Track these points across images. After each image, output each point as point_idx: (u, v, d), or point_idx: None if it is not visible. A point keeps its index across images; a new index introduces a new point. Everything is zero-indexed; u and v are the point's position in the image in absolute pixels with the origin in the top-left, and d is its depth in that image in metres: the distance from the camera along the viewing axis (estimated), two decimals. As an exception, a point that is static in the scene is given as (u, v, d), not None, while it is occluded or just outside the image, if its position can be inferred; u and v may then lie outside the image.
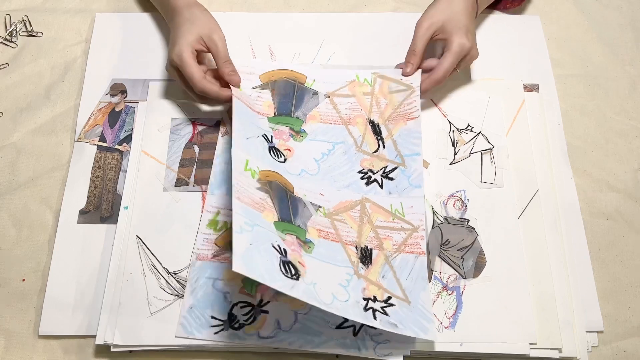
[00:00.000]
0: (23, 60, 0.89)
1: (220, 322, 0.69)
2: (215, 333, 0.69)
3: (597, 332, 0.72)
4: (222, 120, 0.82)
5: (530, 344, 0.68)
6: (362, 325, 0.69)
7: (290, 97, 0.81)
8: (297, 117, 0.80)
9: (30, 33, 0.91)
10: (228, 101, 0.78)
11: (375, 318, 0.65)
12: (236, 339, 0.69)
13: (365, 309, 0.66)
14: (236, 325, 0.69)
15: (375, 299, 0.67)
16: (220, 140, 0.81)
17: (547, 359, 0.69)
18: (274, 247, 0.67)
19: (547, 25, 0.92)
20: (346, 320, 0.69)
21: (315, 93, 0.82)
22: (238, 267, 0.60)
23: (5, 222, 0.78)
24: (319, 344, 0.69)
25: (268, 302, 0.71)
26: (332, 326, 0.69)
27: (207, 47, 0.78)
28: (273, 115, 0.80)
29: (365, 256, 0.71)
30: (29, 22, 0.91)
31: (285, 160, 0.77)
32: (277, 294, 0.71)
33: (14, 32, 0.91)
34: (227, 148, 0.80)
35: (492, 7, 0.92)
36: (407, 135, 0.78)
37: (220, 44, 0.78)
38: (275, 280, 0.63)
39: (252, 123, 0.77)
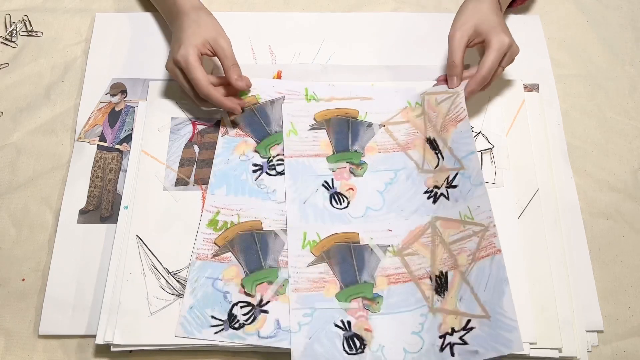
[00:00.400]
0: (23, 60, 0.89)
1: (220, 322, 0.69)
2: (215, 333, 0.69)
3: (597, 332, 0.72)
4: (222, 120, 0.82)
5: (530, 343, 0.68)
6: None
7: (345, 132, 0.80)
8: (356, 151, 0.79)
9: (30, 33, 0.91)
10: (228, 110, 0.79)
11: (452, 354, 0.64)
12: (236, 339, 0.68)
13: (442, 348, 0.65)
14: (236, 325, 0.69)
15: (453, 331, 0.66)
16: (220, 140, 0.81)
17: (547, 359, 0.69)
18: (336, 325, 0.69)
19: (547, 25, 0.92)
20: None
21: (370, 125, 0.81)
22: None
23: (5, 222, 0.78)
24: None
25: (268, 301, 0.71)
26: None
27: (214, 51, 0.78)
28: (332, 153, 0.80)
29: (441, 284, 0.69)
30: (29, 22, 0.91)
31: (348, 204, 0.76)
32: (277, 293, 0.71)
33: (14, 31, 0.91)
34: (227, 147, 0.80)
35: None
36: (459, 137, 0.76)
37: (228, 48, 0.78)
38: None
39: (309, 175, 0.78)
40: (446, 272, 0.70)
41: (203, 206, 0.76)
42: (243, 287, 0.71)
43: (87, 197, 0.78)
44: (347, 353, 0.67)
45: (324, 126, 0.81)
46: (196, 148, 0.81)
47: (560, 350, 0.69)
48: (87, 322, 0.71)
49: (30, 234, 0.77)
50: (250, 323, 0.69)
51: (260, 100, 0.83)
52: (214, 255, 0.73)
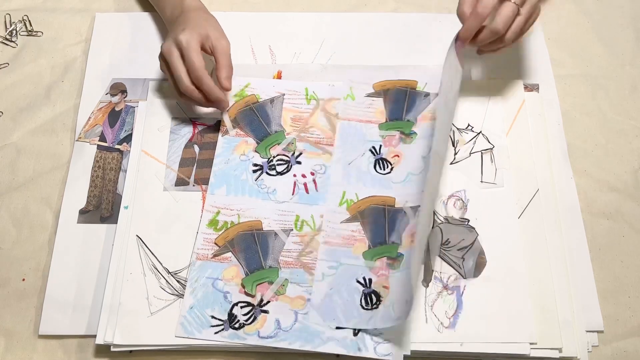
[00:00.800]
0: (23, 60, 0.89)
1: (221, 322, 0.69)
2: (216, 333, 0.69)
3: (597, 332, 0.72)
4: (222, 120, 0.82)
5: (530, 344, 0.68)
6: None
7: (401, 103, 0.82)
8: (409, 120, 0.81)
9: (30, 33, 0.91)
10: (215, 99, 0.78)
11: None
12: (236, 339, 0.69)
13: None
14: (236, 325, 0.69)
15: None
16: (220, 140, 0.81)
17: (547, 359, 0.69)
18: (358, 281, 0.71)
19: (547, 25, 0.92)
20: None
21: (427, 94, 0.83)
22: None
23: (5, 222, 0.78)
24: (319, 344, 0.68)
25: (268, 302, 0.71)
26: (332, 326, 0.69)
27: (213, 48, 0.78)
28: (384, 121, 0.81)
29: None
30: (29, 21, 0.91)
31: (391, 169, 0.78)
32: (277, 293, 0.71)
33: (14, 31, 0.91)
34: (227, 147, 0.80)
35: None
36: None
37: (227, 47, 0.78)
38: (351, 318, 0.69)
39: (359, 139, 0.80)
40: None
41: (203, 206, 0.76)
42: (243, 287, 0.71)
43: (87, 197, 0.78)
44: (363, 308, 0.69)
45: (381, 95, 0.82)
46: (196, 148, 0.81)
47: (560, 350, 0.69)
48: (87, 322, 0.71)
49: (30, 234, 0.77)
50: (250, 323, 0.69)
51: (259, 99, 0.83)
52: (214, 256, 0.73)
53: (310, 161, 0.80)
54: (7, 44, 0.90)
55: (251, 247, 0.73)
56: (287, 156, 0.80)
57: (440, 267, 0.73)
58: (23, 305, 0.73)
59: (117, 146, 0.82)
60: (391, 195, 0.76)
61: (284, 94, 0.84)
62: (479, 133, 0.81)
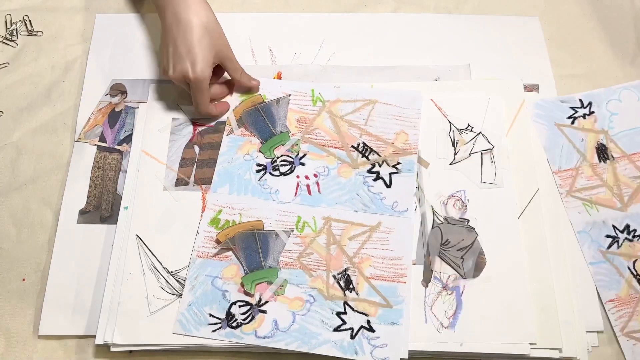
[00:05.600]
0: (23, 59, 0.89)
1: (218, 321, 0.69)
2: (213, 331, 0.69)
3: (597, 332, 0.72)
4: (228, 119, 0.82)
5: (530, 344, 0.68)
6: (360, 327, 0.69)
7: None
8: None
9: (30, 32, 0.91)
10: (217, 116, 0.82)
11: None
12: (233, 338, 0.69)
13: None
14: (234, 324, 0.69)
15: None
16: (225, 139, 0.81)
17: (547, 359, 0.69)
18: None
19: (547, 25, 0.92)
20: (344, 322, 0.70)
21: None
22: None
23: (5, 222, 0.78)
24: (316, 345, 0.68)
25: (267, 302, 0.71)
26: (329, 328, 0.69)
27: (221, 64, 0.80)
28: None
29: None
30: (30, 21, 0.91)
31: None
32: (276, 293, 0.71)
33: (14, 31, 0.91)
34: (232, 147, 0.80)
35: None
36: None
37: (234, 59, 0.81)
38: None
39: None
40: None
41: (203, 206, 0.76)
42: (242, 285, 0.71)
43: (87, 197, 0.78)
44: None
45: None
46: (196, 148, 0.81)
47: (560, 350, 0.69)
48: (87, 322, 0.71)
49: (30, 234, 0.77)
50: (247, 322, 0.69)
51: (266, 99, 0.83)
52: (215, 254, 0.73)
53: (314, 163, 0.79)
54: (7, 44, 0.90)
55: (251, 246, 0.73)
56: (291, 157, 0.80)
57: (440, 267, 0.73)
58: (23, 305, 0.73)
59: (117, 147, 0.82)
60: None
61: (289, 95, 0.84)
62: (478, 133, 0.81)
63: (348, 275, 0.73)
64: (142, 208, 0.76)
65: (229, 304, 0.70)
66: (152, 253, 0.74)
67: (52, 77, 0.88)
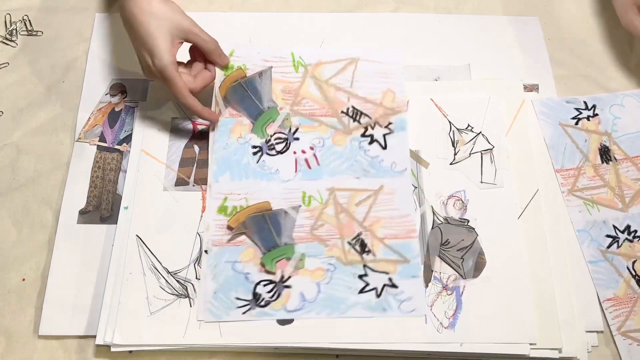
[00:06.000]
0: (23, 59, 0.89)
1: (247, 302, 0.71)
2: (243, 313, 0.70)
3: (597, 332, 0.72)
4: (215, 100, 0.81)
5: (530, 344, 0.68)
6: (384, 286, 0.71)
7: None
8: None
9: (30, 32, 0.91)
10: (207, 119, 0.79)
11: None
12: (265, 316, 0.70)
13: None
14: (262, 303, 0.70)
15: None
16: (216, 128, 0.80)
17: (547, 359, 0.69)
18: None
19: (547, 25, 0.92)
20: (367, 284, 0.71)
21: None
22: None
23: (5, 222, 0.78)
24: (345, 309, 0.70)
25: (289, 277, 0.72)
26: (355, 292, 0.71)
27: (185, 39, 0.75)
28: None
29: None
30: (29, 21, 0.91)
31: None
32: (296, 268, 0.72)
33: (14, 31, 0.91)
34: (224, 131, 0.80)
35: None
36: None
37: (200, 31, 0.75)
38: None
39: None
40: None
41: (204, 206, 0.76)
42: (263, 265, 0.72)
43: (87, 197, 0.78)
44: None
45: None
46: (196, 148, 0.81)
47: (560, 350, 0.69)
48: (87, 322, 0.71)
49: (30, 234, 0.77)
50: (275, 300, 0.71)
51: (247, 70, 0.82)
52: (229, 240, 0.74)
53: (308, 136, 0.80)
54: (7, 44, 0.90)
55: (264, 227, 0.74)
56: (284, 133, 0.80)
57: (440, 268, 0.73)
58: (23, 305, 0.73)
59: (116, 146, 0.82)
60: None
61: (271, 67, 0.83)
62: (478, 133, 0.81)
63: (362, 240, 0.74)
64: (142, 208, 0.76)
65: (253, 285, 0.71)
66: (152, 253, 0.74)
67: (52, 77, 0.87)
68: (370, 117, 0.81)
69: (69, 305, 0.72)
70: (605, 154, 0.81)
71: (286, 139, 0.80)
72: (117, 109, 0.85)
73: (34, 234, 0.77)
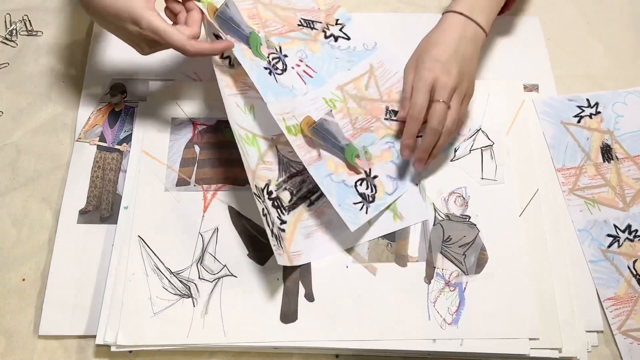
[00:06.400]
0: (23, 59, 0.89)
1: (361, 200, 0.75)
2: (366, 213, 0.75)
3: (597, 332, 0.72)
4: (215, 29, 0.76)
5: (532, 339, 0.69)
6: None
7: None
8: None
9: (30, 32, 0.91)
10: (224, 50, 0.74)
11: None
12: (380, 208, 0.76)
13: None
14: (370, 199, 0.76)
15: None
16: (221, 61, 0.78)
17: (547, 359, 0.69)
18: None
19: (547, 25, 0.92)
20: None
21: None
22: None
23: (5, 222, 0.77)
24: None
25: (370, 169, 0.77)
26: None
27: None
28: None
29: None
30: (29, 21, 0.91)
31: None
32: (368, 159, 0.78)
33: (14, 31, 0.91)
34: (240, 55, 0.76)
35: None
36: None
37: None
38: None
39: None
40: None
41: (205, 206, 0.76)
42: (349, 167, 0.76)
43: (87, 197, 0.78)
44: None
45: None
46: (197, 148, 0.81)
47: (560, 350, 0.69)
48: (87, 322, 0.71)
49: (30, 234, 0.77)
50: (376, 192, 0.76)
51: (213, 2, 0.76)
52: (318, 156, 0.75)
53: (291, 51, 0.82)
54: (7, 44, 0.90)
55: (325, 137, 0.75)
56: (275, 53, 0.81)
57: (442, 264, 0.73)
58: (23, 305, 0.73)
59: (116, 146, 0.82)
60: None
61: None
62: (478, 130, 0.81)
63: (391, 110, 0.82)
64: (142, 208, 0.76)
65: (353, 188, 0.76)
66: (154, 254, 0.73)
67: (52, 77, 0.87)
68: (320, 22, 0.86)
69: (69, 305, 0.72)
70: (607, 152, 0.81)
71: (279, 58, 0.81)
72: (117, 109, 0.84)
73: (34, 234, 0.77)
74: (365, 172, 0.77)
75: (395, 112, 0.81)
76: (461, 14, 0.77)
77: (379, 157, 0.79)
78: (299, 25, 0.85)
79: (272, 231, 0.70)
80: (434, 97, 0.73)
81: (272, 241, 0.69)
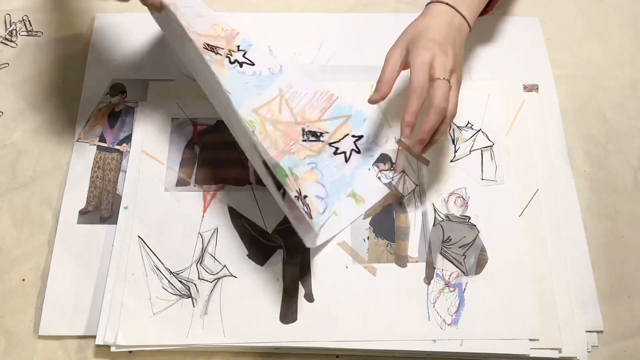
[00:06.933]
0: (23, 60, 0.89)
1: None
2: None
3: (597, 332, 0.72)
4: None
5: (532, 340, 0.69)
6: (354, 141, 0.81)
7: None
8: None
9: (30, 33, 0.91)
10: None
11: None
12: (320, 224, 0.75)
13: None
14: (309, 217, 0.72)
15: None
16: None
17: (547, 359, 0.69)
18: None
19: (547, 25, 0.92)
20: (343, 152, 0.80)
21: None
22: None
23: (5, 222, 0.77)
24: (351, 180, 0.78)
25: (299, 189, 0.75)
26: (342, 165, 0.79)
27: None
28: None
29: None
30: (29, 21, 0.91)
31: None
32: (295, 180, 0.76)
33: (14, 31, 0.91)
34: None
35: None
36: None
37: None
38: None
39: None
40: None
41: (205, 206, 0.76)
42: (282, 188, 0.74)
43: (87, 197, 0.78)
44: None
45: None
46: (197, 148, 0.81)
47: (560, 350, 0.69)
48: (87, 322, 0.71)
49: (30, 234, 0.77)
50: (309, 210, 0.74)
51: None
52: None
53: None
54: (7, 44, 0.90)
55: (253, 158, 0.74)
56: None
57: (442, 265, 0.73)
58: (23, 305, 0.73)
59: (116, 147, 0.82)
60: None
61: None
62: (478, 130, 0.81)
63: (309, 130, 0.81)
64: (142, 209, 0.76)
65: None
66: (154, 254, 0.73)
67: (52, 77, 0.87)
68: (223, 48, 0.83)
69: (68, 306, 0.72)
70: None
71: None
72: (117, 109, 0.84)
73: (34, 234, 0.77)
74: (297, 191, 0.74)
75: (312, 133, 0.80)
76: (447, 4, 0.76)
77: (304, 179, 0.77)
78: (204, 48, 0.79)
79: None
80: (434, 75, 0.69)
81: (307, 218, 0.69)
